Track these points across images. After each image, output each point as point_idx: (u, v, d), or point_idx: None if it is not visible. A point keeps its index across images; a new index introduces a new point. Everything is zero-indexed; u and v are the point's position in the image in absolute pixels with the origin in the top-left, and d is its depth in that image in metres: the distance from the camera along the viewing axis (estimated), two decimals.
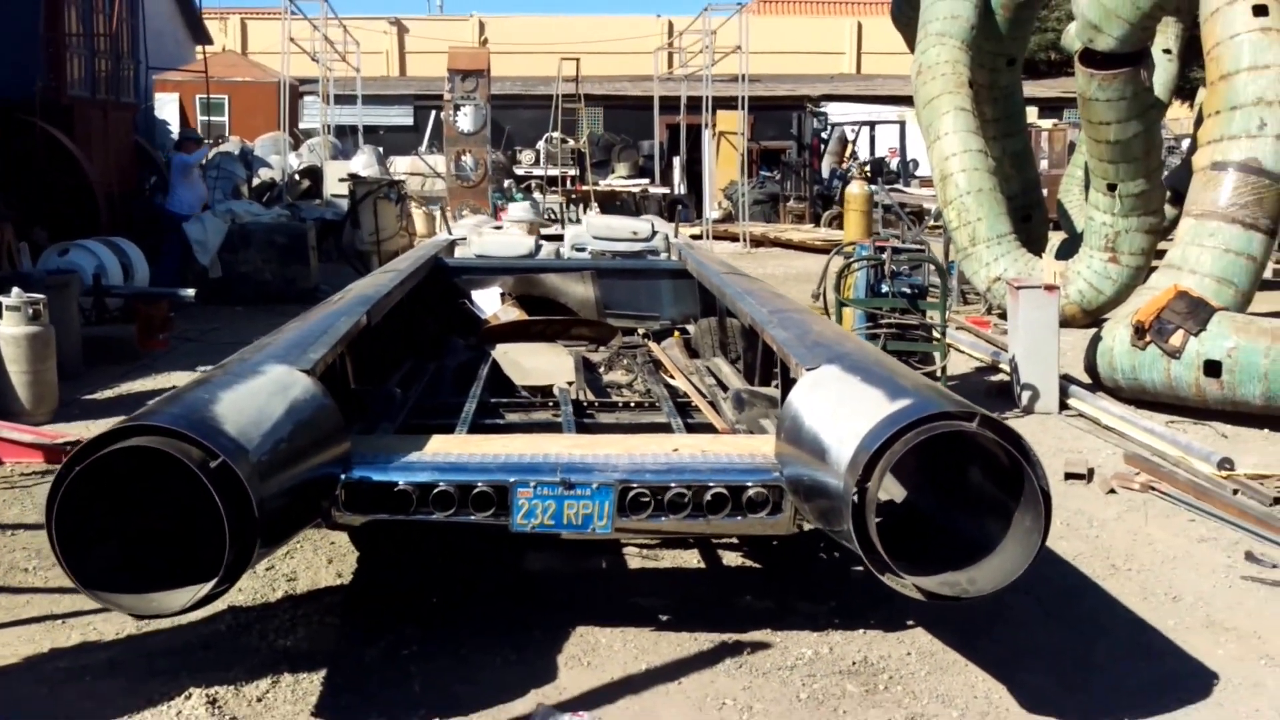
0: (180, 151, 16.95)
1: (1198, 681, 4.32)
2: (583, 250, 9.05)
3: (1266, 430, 7.99)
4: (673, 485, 4.24)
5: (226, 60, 26.71)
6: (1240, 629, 4.79)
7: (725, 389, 6.31)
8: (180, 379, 9.43)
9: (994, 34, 13.45)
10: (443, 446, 4.67)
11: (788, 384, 4.97)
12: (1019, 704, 4.12)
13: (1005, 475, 3.74)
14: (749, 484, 4.27)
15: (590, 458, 4.45)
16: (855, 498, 3.57)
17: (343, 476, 4.25)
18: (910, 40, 14.95)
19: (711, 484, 4.26)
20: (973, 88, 12.79)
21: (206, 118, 26.23)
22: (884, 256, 8.25)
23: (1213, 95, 9.65)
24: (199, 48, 28.58)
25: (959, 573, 3.68)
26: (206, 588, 3.60)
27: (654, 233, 9.04)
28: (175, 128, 23.64)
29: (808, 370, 4.49)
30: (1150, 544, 5.83)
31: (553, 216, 16.97)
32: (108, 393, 9.11)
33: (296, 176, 21.89)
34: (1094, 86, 10.72)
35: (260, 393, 4.10)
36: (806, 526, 4.42)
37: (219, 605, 4.71)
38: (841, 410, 4.04)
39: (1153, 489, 6.56)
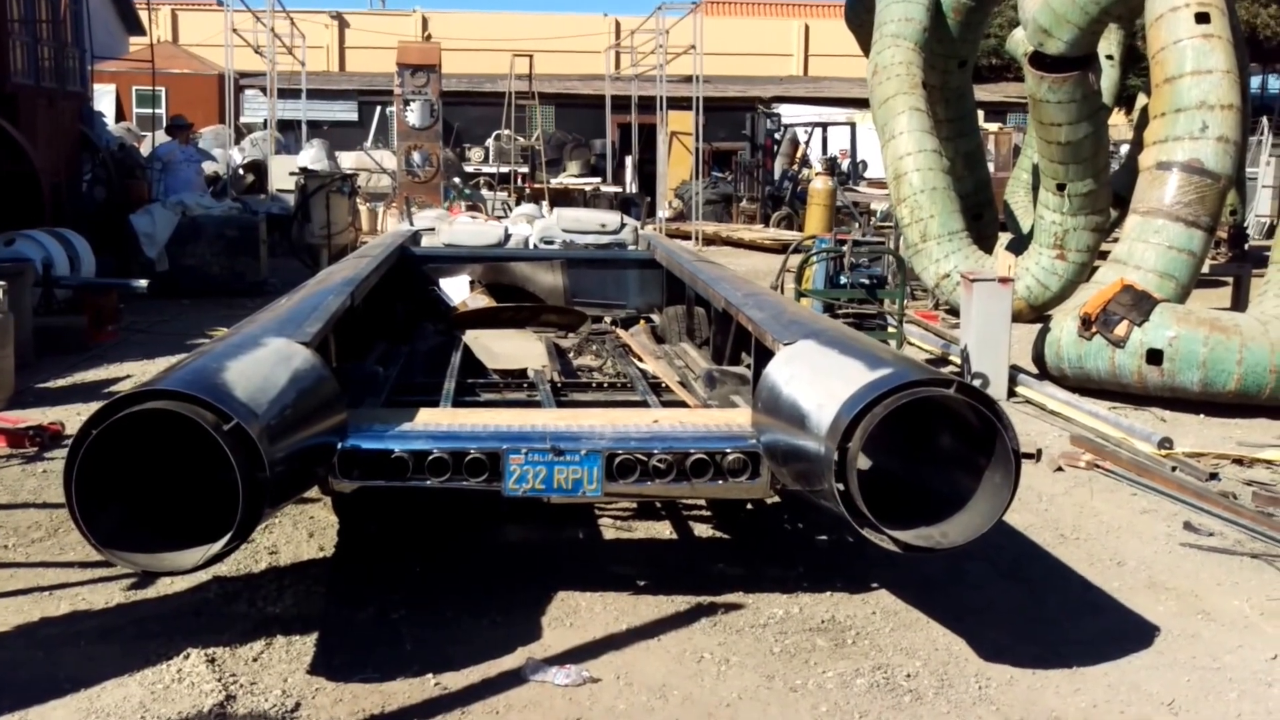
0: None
1: (1141, 633, 4.63)
2: (552, 243, 9.25)
3: (1202, 415, 8.39)
4: (656, 452, 4.48)
5: (163, 52, 26.44)
6: (1179, 589, 5.12)
7: (693, 371, 6.55)
8: (131, 369, 9.52)
9: (945, 36, 13.79)
10: (433, 418, 4.88)
11: (760, 361, 5.20)
12: (977, 654, 4.39)
13: (976, 439, 4.00)
14: (728, 450, 4.52)
15: (576, 427, 4.69)
16: (837, 458, 3.80)
17: (340, 445, 4.44)
18: (863, 42, 15.27)
19: (692, 451, 4.50)
20: (926, 89, 13.12)
21: (150, 110, 25.98)
22: (844, 249, 8.52)
23: (1158, 98, 10.01)
24: (132, 39, 28.40)
25: (932, 527, 3.94)
26: (217, 546, 3.76)
27: (622, 225, 9.25)
28: (111, 120, 23.43)
29: (785, 345, 4.73)
30: (1095, 516, 6.15)
31: (502, 214, 17.19)
32: (61, 381, 9.14)
33: (241, 171, 21.83)
34: (1044, 89, 11.07)
35: (264, 362, 4.28)
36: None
37: (204, 576, 4.88)
38: (821, 379, 4.28)
39: (1097, 467, 6.89)
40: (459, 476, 4.45)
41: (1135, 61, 17.63)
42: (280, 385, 4.18)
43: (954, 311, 12.60)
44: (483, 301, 8.36)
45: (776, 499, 5.62)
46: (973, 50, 15.10)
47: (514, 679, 4.16)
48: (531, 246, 9.46)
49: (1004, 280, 9.20)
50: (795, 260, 9.43)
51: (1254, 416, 8.25)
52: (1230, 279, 13.90)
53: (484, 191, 22.62)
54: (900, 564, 4.89)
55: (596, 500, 5.18)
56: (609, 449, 4.47)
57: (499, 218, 14.47)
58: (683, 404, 5.79)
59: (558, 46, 33.00)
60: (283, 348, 4.48)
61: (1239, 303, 12.77)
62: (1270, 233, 17.70)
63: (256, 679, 4.14)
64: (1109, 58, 15.05)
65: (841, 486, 3.82)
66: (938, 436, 4.27)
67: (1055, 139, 11.37)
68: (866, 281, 9.21)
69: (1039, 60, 11.16)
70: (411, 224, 10.48)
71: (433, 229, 9.91)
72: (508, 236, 9.48)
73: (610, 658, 4.35)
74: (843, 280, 9.27)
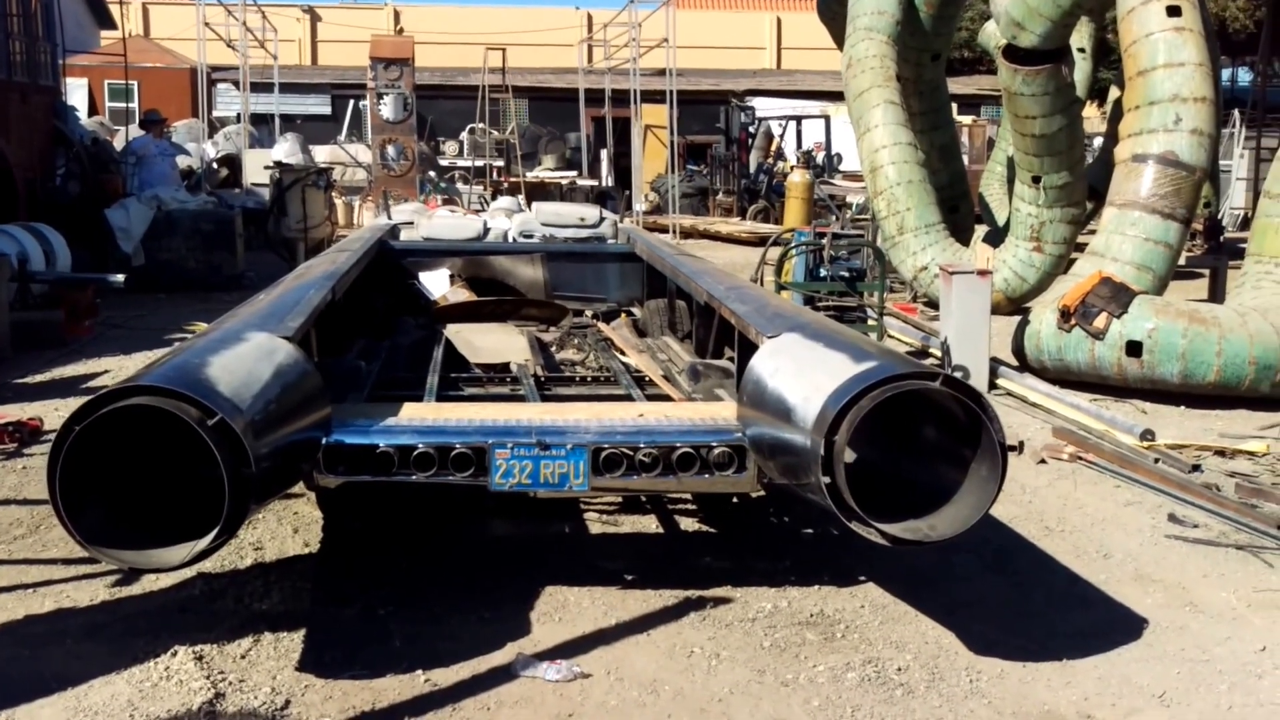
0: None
1: (1129, 626, 4.64)
2: (530, 237, 9.22)
3: (1183, 407, 8.41)
4: (642, 446, 4.46)
5: (135, 46, 26.24)
6: (1166, 581, 5.13)
7: (676, 365, 6.53)
8: (109, 364, 9.45)
9: (918, 30, 13.85)
10: (417, 413, 4.85)
11: (744, 354, 5.19)
12: (967, 648, 4.39)
13: (961, 432, 3.99)
14: (714, 444, 4.51)
15: (562, 422, 4.67)
16: (824, 451, 3.79)
17: (324, 440, 4.40)
18: (835, 35, 15.31)
19: (678, 444, 4.49)
20: (900, 82, 13.16)
21: (124, 104, 25.77)
22: (824, 242, 8.53)
23: (1131, 90, 10.08)
24: (103, 32, 28.18)
25: (919, 520, 3.93)
26: (204, 542, 3.72)
27: (601, 219, 9.24)
28: (84, 114, 23.21)
29: (769, 338, 4.72)
30: (1080, 508, 6.17)
31: (480, 209, 17.09)
32: (39, 377, 9.07)
33: (215, 165, 21.68)
34: (1019, 81, 11.11)
35: (247, 357, 4.23)
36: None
37: (189, 572, 4.83)
38: (807, 372, 4.27)
39: (1080, 459, 6.91)
40: (445, 471, 4.43)
41: (1105, 54, 17.74)
42: (264, 380, 4.14)
43: (932, 304, 12.65)
44: (463, 295, 8.31)
45: (762, 493, 5.62)
46: (946, 43, 15.17)
47: (504, 675, 4.14)
48: (510, 240, 9.41)
49: (983, 273, 9.21)
50: (774, 253, 9.42)
51: (1234, 408, 8.28)
52: (1206, 271, 13.98)
53: (459, 185, 22.53)
54: (887, 557, 4.90)
55: (583, 495, 5.16)
56: (595, 443, 4.46)
57: (476, 211, 14.38)
58: (667, 398, 5.77)
59: (530, 40, 32.92)
60: (265, 342, 4.43)
61: (1215, 295, 12.87)
62: (1245, 225, 17.83)
63: (245, 676, 4.11)
64: (1080, 50, 15.15)
65: (828, 480, 3.82)
66: (922, 429, 4.27)
67: (1030, 131, 11.42)
68: (846, 274, 9.23)
69: (1012, 53, 11.20)
70: (390, 217, 10.41)
71: (411, 222, 9.85)
72: (486, 230, 9.42)
73: (600, 653, 4.33)
74: (822, 273, 9.28)
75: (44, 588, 4.92)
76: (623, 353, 6.95)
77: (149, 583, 4.90)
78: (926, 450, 4.29)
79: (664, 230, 20.84)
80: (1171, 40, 9.78)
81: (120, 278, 11.38)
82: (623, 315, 8.19)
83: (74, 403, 8.14)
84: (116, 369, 9.20)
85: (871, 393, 3.83)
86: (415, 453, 4.41)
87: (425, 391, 5.69)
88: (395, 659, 4.25)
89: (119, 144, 18.42)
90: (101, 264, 13.22)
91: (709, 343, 6.49)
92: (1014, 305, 11.89)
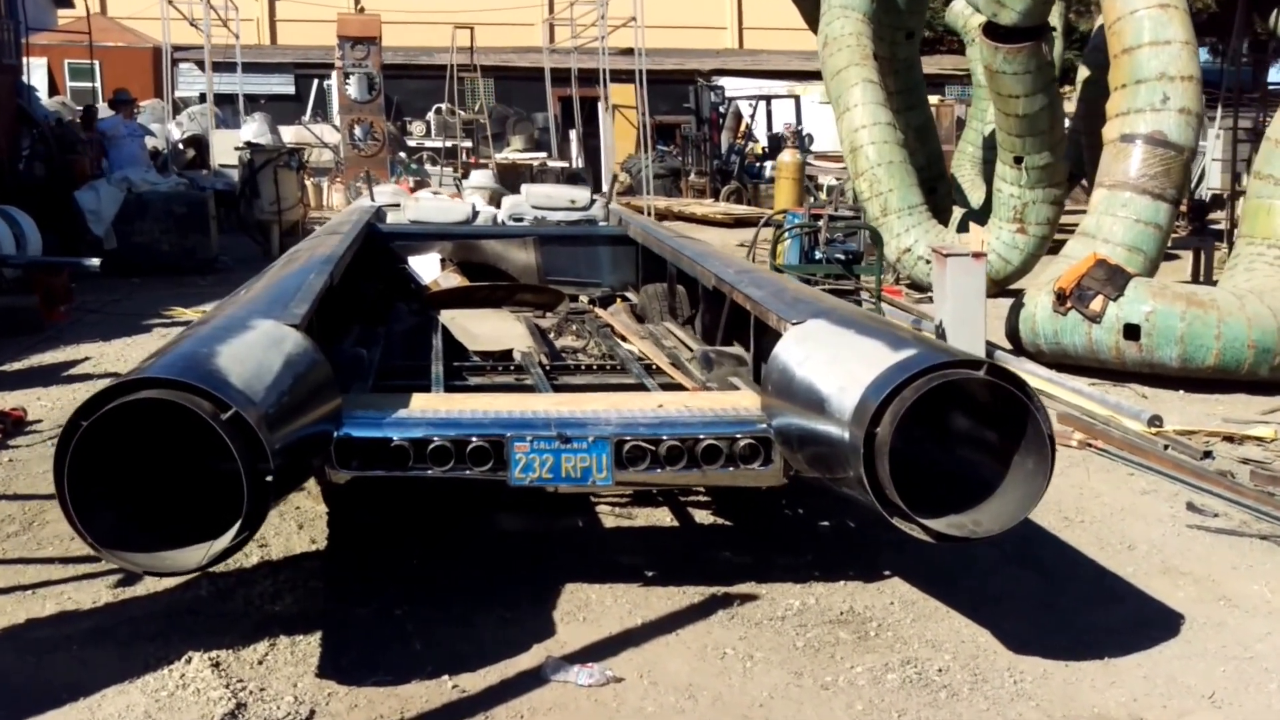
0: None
1: (1166, 622, 4.54)
2: (521, 220, 9.05)
3: (1182, 391, 8.36)
4: (665, 438, 4.32)
5: (96, 24, 25.67)
6: (1195, 574, 5.04)
7: (682, 352, 6.39)
8: (89, 350, 9.23)
9: (892, 8, 13.79)
10: (429, 404, 4.70)
11: (761, 341, 5.06)
12: (1005, 646, 4.29)
13: (1000, 421, 3.88)
14: (738, 436, 4.37)
15: (581, 413, 4.51)
16: (865, 444, 3.66)
17: (336, 433, 4.24)
18: (805, 14, 15.21)
19: (702, 436, 4.34)
20: (876, 60, 13.08)
21: (89, 84, 25.24)
22: (819, 224, 8.42)
23: (1116, 69, 10.00)
24: (60, 11, 27.54)
25: (963, 515, 3.80)
26: (223, 542, 3.55)
27: (592, 201, 9.08)
28: (44, 94, 22.70)
29: (793, 324, 4.59)
30: (1097, 497, 6.08)
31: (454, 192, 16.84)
32: (17, 364, 8.83)
33: (181, 146, 21.28)
34: (1000, 59, 11.04)
35: (255, 346, 4.07)
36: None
37: None
38: (840, 360, 4.13)
39: (1090, 446, 6.84)
40: (462, 465, 4.27)
41: (1069, 34, 17.76)
42: (275, 371, 3.97)
43: (915, 286, 12.60)
44: (455, 280, 8.14)
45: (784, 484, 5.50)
46: (920, 21, 15.15)
47: (534, 679, 4.01)
48: (500, 223, 9.24)
49: (977, 255, 9.12)
50: (766, 234, 9.30)
51: (1233, 392, 8.24)
52: (1190, 252, 13.97)
53: (428, 166, 22.24)
54: (908, 550, 4.79)
55: (606, 489, 5.02)
56: (617, 435, 4.31)
57: (453, 195, 14.17)
58: (679, 386, 5.63)
59: (492, 19, 32.51)
60: (272, 330, 4.25)
61: (1199, 276, 12.87)
62: (1220, 205, 17.88)
63: (265, 684, 3.96)
64: (1051, 29, 15.13)
65: (870, 474, 3.69)
66: (954, 418, 4.14)
67: (1013, 111, 11.36)
68: (842, 257, 9.12)
69: (993, 31, 11.12)
70: (373, 199, 10.19)
71: (397, 205, 9.66)
72: (475, 213, 9.24)
73: (630, 655, 4.21)
74: (818, 255, 9.17)
75: (43, 589, 4.74)
76: (624, 339, 6.81)
77: (153, 583, 4.72)
78: (961, 440, 4.17)
79: (638, 212, 20.67)
80: (1157, 17, 9.71)
81: (96, 261, 11.09)
82: (619, 300, 8.04)
83: (56, 391, 8.00)
84: (97, 355, 8.98)
85: (914, 383, 3.70)
86: (431, 446, 4.25)
87: (432, 381, 5.51)
88: (418, 663, 4.11)
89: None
90: (72, 247, 12.92)
91: (718, 329, 6.35)
92: (999, 287, 11.84)
